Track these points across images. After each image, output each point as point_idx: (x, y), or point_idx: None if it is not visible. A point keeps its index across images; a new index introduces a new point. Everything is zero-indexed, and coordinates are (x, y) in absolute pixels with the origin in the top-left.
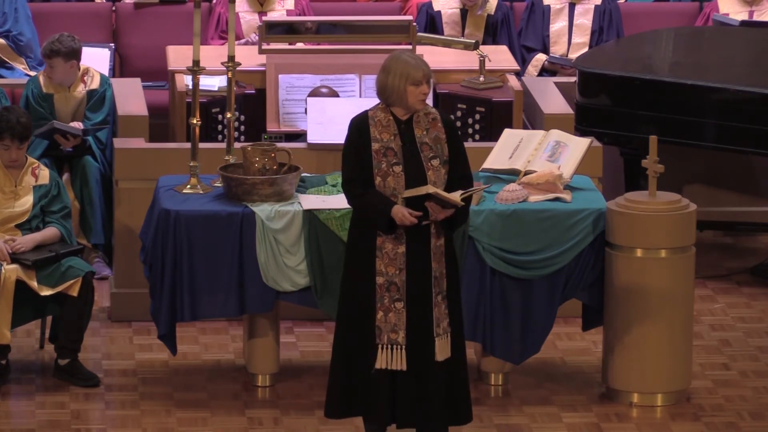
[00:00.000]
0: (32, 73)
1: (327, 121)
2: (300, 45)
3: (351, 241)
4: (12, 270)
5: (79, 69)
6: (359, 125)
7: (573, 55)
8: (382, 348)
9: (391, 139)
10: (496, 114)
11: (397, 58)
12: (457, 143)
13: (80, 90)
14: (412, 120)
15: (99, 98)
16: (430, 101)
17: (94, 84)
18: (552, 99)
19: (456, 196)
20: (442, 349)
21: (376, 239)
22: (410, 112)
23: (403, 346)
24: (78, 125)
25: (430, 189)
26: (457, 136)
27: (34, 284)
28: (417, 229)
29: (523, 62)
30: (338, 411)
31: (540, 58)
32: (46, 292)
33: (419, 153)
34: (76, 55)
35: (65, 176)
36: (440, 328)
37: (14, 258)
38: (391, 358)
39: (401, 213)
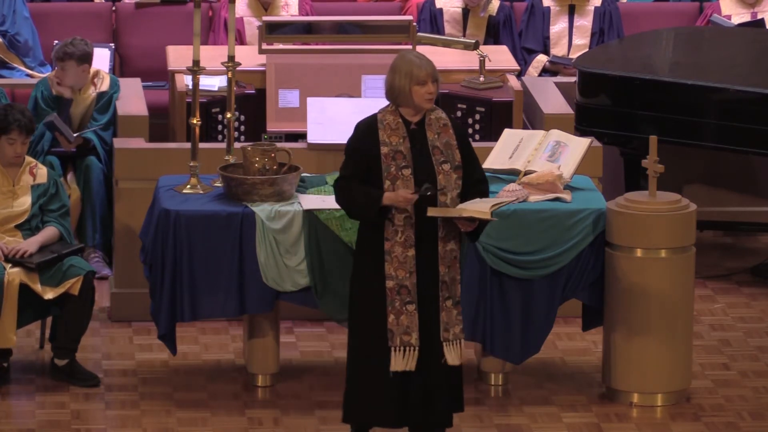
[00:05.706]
0: (32, 73)
1: (327, 121)
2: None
3: (359, 247)
4: (15, 274)
5: (90, 72)
6: (367, 128)
7: (574, 57)
8: (395, 350)
9: (400, 142)
10: (496, 114)
11: (403, 57)
12: (468, 148)
13: (91, 92)
14: (423, 123)
15: (107, 100)
16: None
17: (104, 86)
18: (552, 99)
19: (485, 212)
20: (452, 355)
21: (384, 244)
22: (418, 112)
23: (416, 348)
24: (76, 139)
25: (464, 212)
26: (467, 141)
27: (38, 288)
28: (425, 234)
29: (525, 64)
30: (356, 416)
31: (541, 59)
32: (49, 295)
33: (430, 156)
34: (88, 59)
35: (69, 175)
36: (449, 333)
37: (18, 261)
38: (403, 360)
39: (400, 195)
